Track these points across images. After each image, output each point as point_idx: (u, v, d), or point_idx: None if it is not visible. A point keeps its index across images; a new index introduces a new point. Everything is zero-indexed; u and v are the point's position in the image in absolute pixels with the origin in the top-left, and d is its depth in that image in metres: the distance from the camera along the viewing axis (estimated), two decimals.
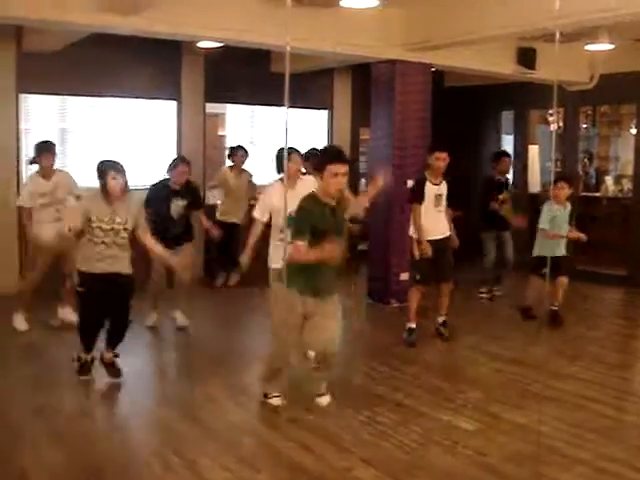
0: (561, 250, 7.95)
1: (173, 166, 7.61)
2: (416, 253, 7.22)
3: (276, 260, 6.07)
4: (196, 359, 6.95)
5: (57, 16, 6.56)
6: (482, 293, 9.53)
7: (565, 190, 7.90)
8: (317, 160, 5.41)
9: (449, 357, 7.14)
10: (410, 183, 8.90)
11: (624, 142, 14.50)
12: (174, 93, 10.40)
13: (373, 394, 5.81)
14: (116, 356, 6.14)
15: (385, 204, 8.48)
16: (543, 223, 7.90)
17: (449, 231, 7.46)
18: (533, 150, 12.77)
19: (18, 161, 9.26)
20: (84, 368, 6.08)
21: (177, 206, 7.56)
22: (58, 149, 7.85)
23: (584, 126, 13.69)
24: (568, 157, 11.62)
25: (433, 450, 4.82)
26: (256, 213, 6.27)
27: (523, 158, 12.18)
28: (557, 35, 6.23)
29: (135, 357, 6.73)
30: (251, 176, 10.11)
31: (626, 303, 10.02)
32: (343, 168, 5.10)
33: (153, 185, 7.75)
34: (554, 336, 7.66)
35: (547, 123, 13.35)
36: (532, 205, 11.28)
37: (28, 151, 9.50)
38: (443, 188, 7.45)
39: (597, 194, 12.72)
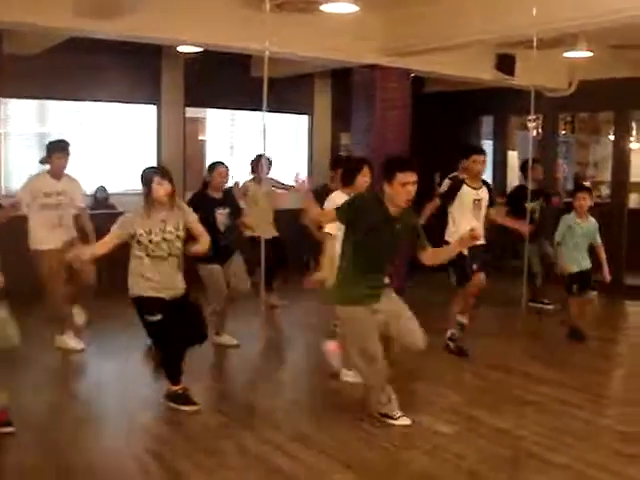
0: (587, 263, 7.68)
1: (211, 169, 7.06)
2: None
3: None
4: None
5: (36, 19, 6.55)
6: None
7: (587, 201, 7.53)
8: (385, 168, 5.07)
9: (429, 361, 7.14)
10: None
11: (602, 148, 14.65)
12: (154, 97, 10.39)
13: (355, 399, 5.81)
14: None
15: None
16: (557, 235, 7.59)
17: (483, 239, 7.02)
18: (512, 156, 12.85)
19: None
20: (186, 399, 5.51)
21: (222, 216, 6.94)
22: (37, 154, 7.68)
23: (563, 132, 13.80)
24: (547, 163, 11.68)
25: (412, 453, 4.83)
26: (331, 229, 5.84)
27: (502, 164, 12.26)
28: (535, 41, 6.30)
29: (117, 360, 6.73)
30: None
31: (605, 308, 10.07)
32: (413, 177, 4.90)
33: (193, 195, 7.18)
34: (534, 341, 7.70)
35: (526, 129, 13.43)
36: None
37: (7, 155, 9.48)
38: (483, 193, 7.13)
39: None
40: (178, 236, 5.31)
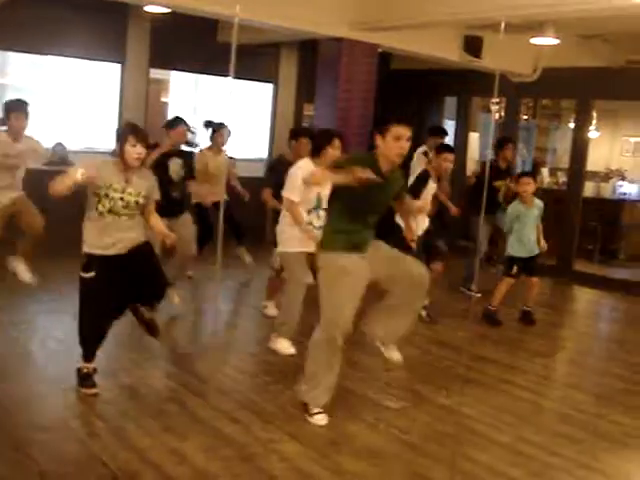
0: (534, 250, 7.82)
1: (172, 126, 6.99)
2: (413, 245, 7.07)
3: (291, 243, 6.07)
4: (132, 327, 6.90)
5: None
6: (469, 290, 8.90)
7: (531, 185, 7.69)
8: (379, 122, 4.90)
9: None
10: None
11: (562, 135, 14.83)
12: (119, 56, 10.24)
13: (301, 370, 5.86)
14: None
15: None
16: (505, 226, 7.87)
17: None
18: (473, 137, 12.95)
19: None
20: (87, 379, 5.15)
21: (176, 165, 6.89)
22: None
23: (524, 117, 13.92)
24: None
25: (357, 426, 4.90)
26: (290, 194, 6.01)
27: (463, 145, 12.34)
28: (502, 26, 6.34)
29: (67, 320, 6.69)
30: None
31: (553, 292, 10.26)
32: (408, 132, 4.70)
33: None
34: (481, 322, 7.81)
35: (489, 111, 13.52)
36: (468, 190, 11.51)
37: None
38: (435, 186, 7.34)
39: None
40: (137, 202, 5.03)
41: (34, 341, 6.30)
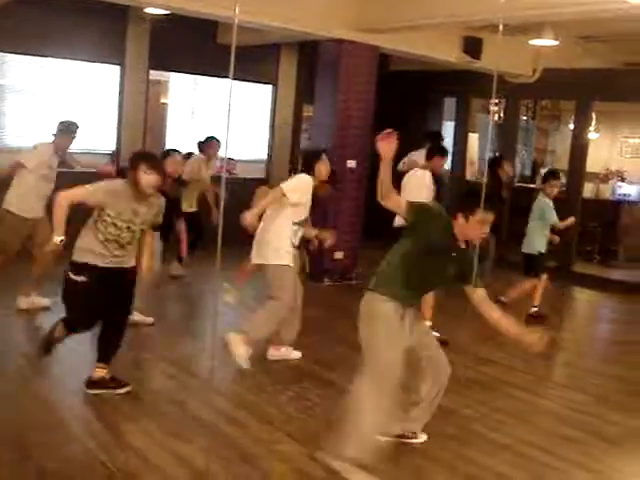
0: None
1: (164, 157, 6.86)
2: None
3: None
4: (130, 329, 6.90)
5: None
6: None
7: (558, 187, 8.15)
8: (464, 199, 4.68)
9: None
10: (351, 163, 8.98)
11: (561, 136, 14.83)
12: (118, 58, 10.23)
13: (302, 371, 5.87)
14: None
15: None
16: (536, 217, 8.09)
17: None
18: (472, 138, 12.96)
19: None
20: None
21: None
22: None
23: (524, 118, 13.93)
24: (506, 147, 11.80)
25: None
26: (286, 188, 5.79)
27: (462, 145, 12.35)
28: (501, 27, 6.35)
29: None
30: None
31: (552, 294, 10.23)
32: (492, 217, 4.53)
33: None
34: (480, 322, 7.80)
35: (488, 112, 13.53)
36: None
37: None
38: None
39: (532, 185, 12.97)
40: (142, 230, 5.10)
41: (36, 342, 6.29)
